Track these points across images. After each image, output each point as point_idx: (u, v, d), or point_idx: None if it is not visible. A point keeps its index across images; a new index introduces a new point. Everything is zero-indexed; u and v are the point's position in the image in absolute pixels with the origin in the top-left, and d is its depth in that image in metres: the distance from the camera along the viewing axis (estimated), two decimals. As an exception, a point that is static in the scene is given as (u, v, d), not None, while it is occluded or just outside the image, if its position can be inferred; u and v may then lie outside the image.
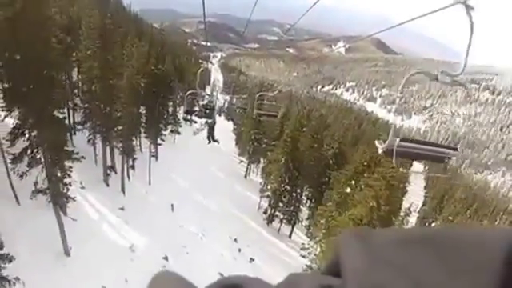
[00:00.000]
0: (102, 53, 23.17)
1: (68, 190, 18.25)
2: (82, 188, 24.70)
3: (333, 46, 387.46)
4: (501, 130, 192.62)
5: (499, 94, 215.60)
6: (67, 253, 20.47)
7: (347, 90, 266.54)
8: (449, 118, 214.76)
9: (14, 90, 14.56)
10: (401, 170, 27.16)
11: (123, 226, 26.10)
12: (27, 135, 15.89)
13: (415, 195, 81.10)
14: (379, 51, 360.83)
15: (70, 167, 17.88)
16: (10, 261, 14.16)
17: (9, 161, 17.00)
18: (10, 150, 16.21)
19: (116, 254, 22.53)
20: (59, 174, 17.37)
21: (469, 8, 3.55)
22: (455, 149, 5.93)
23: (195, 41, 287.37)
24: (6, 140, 15.89)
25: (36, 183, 17.00)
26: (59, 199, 18.09)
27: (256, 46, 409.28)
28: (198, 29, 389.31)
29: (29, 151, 16.49)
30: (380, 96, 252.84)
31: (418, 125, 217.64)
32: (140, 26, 76.13)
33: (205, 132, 17.41)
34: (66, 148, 17.69)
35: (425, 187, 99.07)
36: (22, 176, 16.43)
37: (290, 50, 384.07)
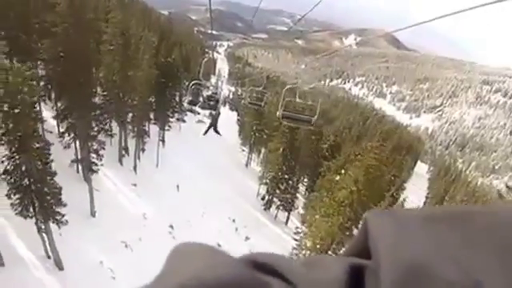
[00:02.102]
0: (123, 49, 27.92)
1: (101, 160, 23.50)
2: (102, 165, 29.45)
3: (343, 39, 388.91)
4: (511, 133, 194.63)
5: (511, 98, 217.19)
6: (93, 214, 25.94)
7: (356, 85, 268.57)
8: (458, 118, 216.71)
9: (61, 83, 19.31)
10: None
11: (136, 199, 31.56)
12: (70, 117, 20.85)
13: (415, 195, 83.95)
14: (391, 46, 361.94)
15: (104, 142, 22.86)
16: (65, 205, 19.04)
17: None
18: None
19: (131, 219, 27.96)
20: (96, 147, 22.52)
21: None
22: (312, 116, 10.42)
23: (202, 29, 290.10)
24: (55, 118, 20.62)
25: (76, 155, 21.90)
26: (94, 168, 23.32)
27: (264, 36, 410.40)
28: (206, 16, 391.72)
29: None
30: (390, 93, 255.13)
31: (427, 124, 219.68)
32: (149, 14, 79.77)
33: (207, 124, 19.63)
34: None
35: (428, 188, 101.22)
36: (65, 147, 21.31)
37: (299, 42, 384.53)
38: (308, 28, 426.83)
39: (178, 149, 44.96)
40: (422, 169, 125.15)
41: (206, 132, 16.70)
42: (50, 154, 16.73)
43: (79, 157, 24.83)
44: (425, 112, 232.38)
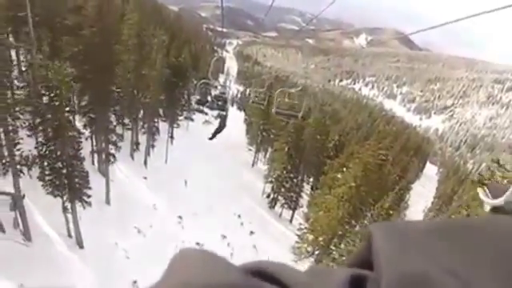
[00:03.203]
0: (138, 49, 30.46)
1: (119, 151, 26.36)
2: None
3: (354, 38, 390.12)
4: None
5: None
6: (108, 202, 28.78)
7: (366, 85, 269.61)
8: (469, 118, 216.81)
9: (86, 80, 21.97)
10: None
11: (146, 191, 34.25)
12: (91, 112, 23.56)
13: (423, 196, 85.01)
14: (402, 46, 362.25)
15: (121, 135, 25.55)
16: (90, 188, 21.86)
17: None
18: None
19: (142, 208, 30.63)
20: (114, 139, 25.35)
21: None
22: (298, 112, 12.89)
23: (211, 26, 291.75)
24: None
25: (96, 146, 24.54)
26: (111, 159, 26.13)
27: (274, 34, 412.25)
28: (215, 14, 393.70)
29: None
30: (400, 93, 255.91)
31: (437, 125, 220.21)
32: (159, 11, 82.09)
33: (214, 125, 21.24)
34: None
35: (436, 189, 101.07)
36: (86, 139, 23.91)
37: (310, 41, 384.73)
38: (319, 27, 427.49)
39: (186, 146, 47.33)
40: (431, 170, 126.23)
41: (213, 137, 17.44)
42: (80, 142, 19.72)
43: (96, 149, 27.62)
44: (435, 113, 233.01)
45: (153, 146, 40.33)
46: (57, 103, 17.50)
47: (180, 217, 32.69)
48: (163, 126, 44.91)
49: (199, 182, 39.88)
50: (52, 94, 17.62)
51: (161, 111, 42.90)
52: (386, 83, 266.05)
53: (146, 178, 36.43)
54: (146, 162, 38.86)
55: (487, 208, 3.02)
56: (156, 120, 40.92)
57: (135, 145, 38.54)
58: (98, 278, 20.80)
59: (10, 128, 17.82)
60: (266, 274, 0.44)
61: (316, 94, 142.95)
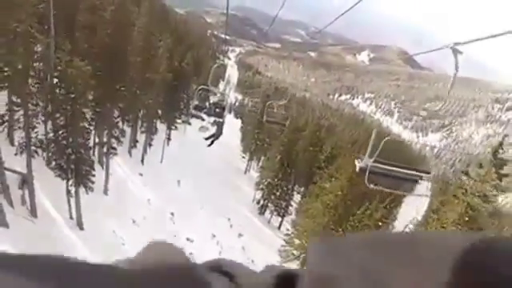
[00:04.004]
0: (144, 51, 32.80)
1: (121, 144, 28.79)
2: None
3: (357, 55, 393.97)
4: None
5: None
6: (106, 193, 31.03)
7: (365, 102, 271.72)
8: (467, 137, 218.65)
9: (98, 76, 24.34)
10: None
11: (142, 186, 36.59)
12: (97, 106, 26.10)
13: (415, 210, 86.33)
14: (404, 64, 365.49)
15: (124, 131, 27.95)
16: (94, 176, 24.11)
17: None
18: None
19: (137, 201, 33.05)
20: (117, 134, 27.74)
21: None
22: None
23: (215, 32, 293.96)
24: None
25: (98, 138, 26.92)
26: (113, 152, 28.51)
27: (277, 45, 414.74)
28: (220, 20, 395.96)
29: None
30: (398, 111, 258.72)
31: (434, 143, 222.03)
32: (166, 15, 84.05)
33: (210, 132, 23.13)
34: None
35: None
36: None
37: (312, 54, 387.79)
38: (322, 41, 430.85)
39: (182, 148, 49.47)
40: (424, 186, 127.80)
41: (211, 144, 18.19)
42: (90, 133, 22.15)
43: (98, 142, 30.02)
44: (432, 131, 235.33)
45: (150, 145, 42.54)
46: (72, 95, 19.83)
47: (172, 213, 34.85)
48: (161, 127, 47.06)
49: (192, 183, 41.88)
50: (69, 87, 19.97)
51: (160, 112, 44.99)
52: (384, 100, 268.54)
53: (141, 174, 38.66)
54: (142, 160, 41.17)
55: (357, 169, 5.93)
56: (155, 120, 43.21)
57: (134, 142, 40.81)
58: (95, 259, 22.70)
59: (30, 112, 20.23)
60: (221, 268, 0.52)
61: (314, 108, 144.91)
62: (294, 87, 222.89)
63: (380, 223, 34.36)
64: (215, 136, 17.71)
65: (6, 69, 18.19)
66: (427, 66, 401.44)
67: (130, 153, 40.46)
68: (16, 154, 21.64)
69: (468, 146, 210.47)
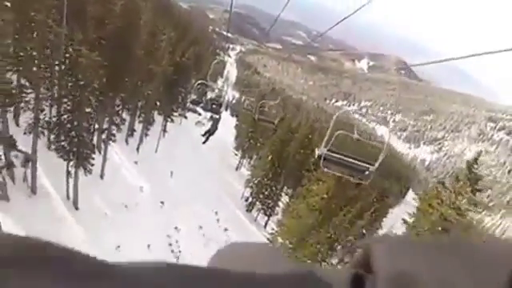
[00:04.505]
0: (149, 45, 34.06)
1: (120, 131, 30.15)
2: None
3: (356, 61, 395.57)
4: (509, 172, 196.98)
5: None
6: (102, 177, 32.50)
7: (361, 109, 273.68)
8: (458, 153, 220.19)
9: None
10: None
11: (136, 174, 37.95)
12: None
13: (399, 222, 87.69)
14: (403, 75, 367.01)
15: (124, 119, 29.36)
16: (94, 159, 25.92)
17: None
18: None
19: (130, 188, 34.43)
20: (118, 121, 29.13)
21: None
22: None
23: (217, 29, 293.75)
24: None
25: (98, 125, 28.33)
26: (112, 138, 29.90)
27: (278, 46, 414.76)
28: (223, 17, 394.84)
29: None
30: (393, 121, 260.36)
31: (425, 155, 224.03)
32: (170, 8, 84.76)
33: (205, 127, 24.28)
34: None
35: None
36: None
37: (311, 58, 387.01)
38: (322, 45, 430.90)
39: (177, 141, 50.70)
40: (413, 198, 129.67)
41: (206, 140, 18.89)
42: (93, 118, 23.50)
43: (98, 128, 31.45)
44: (424, 143, 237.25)
45: (146, 135, 43.68)
46: (81, 83, 21.13)
47: (162, 202, 36.06)
48: (158, 119, 48.20)
49: (184, 175, 42.99)
50: (79, 75, 21.39)
51: (158, 104, 46.12)
52: (380, 109, 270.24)
53: (136, 162, 39.95)
54: (138, 148, 42.53)
55: (316, 155, 7.57)
56: (153, 111, 44.44)
57: (131, 131, 42.15)
58: (88, 237, 24.15)
59: (41, 96, 21.67)
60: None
61: (309, 111, 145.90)
62: (291, 89, 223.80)
63: (364, 231, 35.59)
64: (210, 132, 18.19)
65: (21, 53, 19.53)
66: (424, 78, 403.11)
67: (126, 141, 41.80)
68: (25, 133, 23.02)
69: (460, 161, 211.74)
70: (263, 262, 0.48)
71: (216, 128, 18.07)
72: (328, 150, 8.42)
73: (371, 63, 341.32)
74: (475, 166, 23.48)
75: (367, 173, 8.76)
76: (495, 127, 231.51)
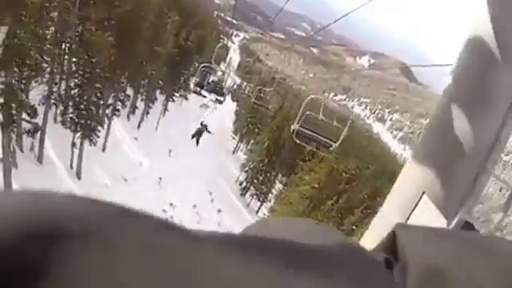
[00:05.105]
0: (154, 27, 34.70)
1: (125, 107, 31.10)
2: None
3: (357, 58, 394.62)
4: (500, 190, 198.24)
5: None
6: (104, 150, 33.74)
7: (360, 105, 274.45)
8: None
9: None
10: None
11: (136, 149, 39.28)
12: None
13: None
14: (402, 76, 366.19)
15: (129, 95, 30.36)
16: (99, 131, 27.15)
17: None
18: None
19: (131, 163, 35.68)
20: (122, 97, 30.04)
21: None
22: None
23: (222, 14, 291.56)
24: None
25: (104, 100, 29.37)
26: (117, 113, 30.93)
27: (281, 36, 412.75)
28: (228, 3, 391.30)
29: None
30: (390, 119, 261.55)
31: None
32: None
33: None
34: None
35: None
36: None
37: (314, 50, 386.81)
38: (326, 39, 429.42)
39: (176, 121, 51.49)
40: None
41: (197, 143, 20.45)
42: (102, 93, 24.46)
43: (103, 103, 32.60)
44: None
45: (147, 113, 44.48)
46: (94, 60, 22.05)
47: (160, 178, 37.14)
48: (160, 98, 48.93)
49: (182, 154, 43.79)
50: (92, 53, 22.49)
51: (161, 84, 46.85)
52: (378, 107, 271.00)
53: (136, 138, 41.21)
54: (139, 126, 43.61)
55: (291, 130, 11.67)
56: (155, 91, 45.18)
57: (133, 108, 42.80)
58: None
59: (55, 70, 22.64)
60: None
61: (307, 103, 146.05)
62: (292, 79, 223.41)
63: (354, 227, 36.56)
64: (199, 133, 20.25)
65: (40, 31, 20.53)
66: (423, 82, 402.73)
67: (128, 117, 42.74)
68: (39, 105, 23.76)
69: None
70: (305, 235, 0.45)
71: (203, 131, 20.54)
72: (301, 127, 10.66)
73: (372, 61, 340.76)
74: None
75: (331, 149, 11.49)
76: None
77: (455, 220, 2.24)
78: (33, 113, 20.22)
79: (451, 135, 2.14)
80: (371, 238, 2.98)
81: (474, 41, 2.11)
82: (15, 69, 17.60)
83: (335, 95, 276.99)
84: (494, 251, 0.43)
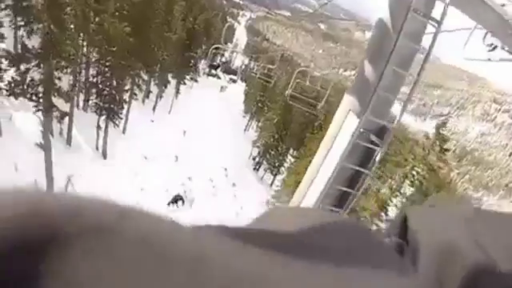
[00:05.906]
0: (164, 13, 36.73)
1: (142, 91, 34.11)
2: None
3: (366, 32, 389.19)
4: (509, 155, 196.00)
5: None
6: (124, 132, 36.68)
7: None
8: (462, 130, 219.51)
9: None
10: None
11: (152, 131, 41.06)
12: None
13: None
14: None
15: (145, 80, 32.84)
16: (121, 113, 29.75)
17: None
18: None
19: (149, 143, 37.65)
20: (139, 82, 32.71)
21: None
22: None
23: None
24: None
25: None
26: (134, 97, 33.74)
27: (288, 14, 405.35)
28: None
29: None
30: (401, 92, 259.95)
31: (430, 129, 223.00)
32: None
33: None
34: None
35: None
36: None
37: (322, 26, 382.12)
38: (334, 14, 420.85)
39: (189, 103, 53.79)
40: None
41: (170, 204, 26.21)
42: (124, 79, 26.90)
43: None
44: (430, 118, 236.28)
45: (161, 97, 46.85)
46: (114, 48, 24.39)
47: (176, 156, 39.61)
48: (172, 82, 51.08)
49: (195, 134, 46.14)
50: (111, 42, 24.90)
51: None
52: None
53: (152, 121, 43.72)
54: (154, 109, 46.17)
55: (286, 94, 13.44)
56: (167, 75, 47.39)
57: (147, 93, 45.14)
58: (116, 181, 27.72)
59: (79, 61, 25.08)
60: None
61: (316, 78, 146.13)
62: (299, 57, 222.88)
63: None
64: (175, 201, 27.26)
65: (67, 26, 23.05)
66: (434, 54, 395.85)
67: (143, 101, 44.98)
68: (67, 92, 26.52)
69: (462, 139, 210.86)
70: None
71: (179, 199, 27.53)
72: (293, 91, 14.17)
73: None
74: (443, 129, 26.80)
75: (318, 107, 15.32)
76: (499, 109, 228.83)
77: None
78: (68, 98, 22.64)
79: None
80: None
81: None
82: (52, 60, 19.65)
83: (345, 71, 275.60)
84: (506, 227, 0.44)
